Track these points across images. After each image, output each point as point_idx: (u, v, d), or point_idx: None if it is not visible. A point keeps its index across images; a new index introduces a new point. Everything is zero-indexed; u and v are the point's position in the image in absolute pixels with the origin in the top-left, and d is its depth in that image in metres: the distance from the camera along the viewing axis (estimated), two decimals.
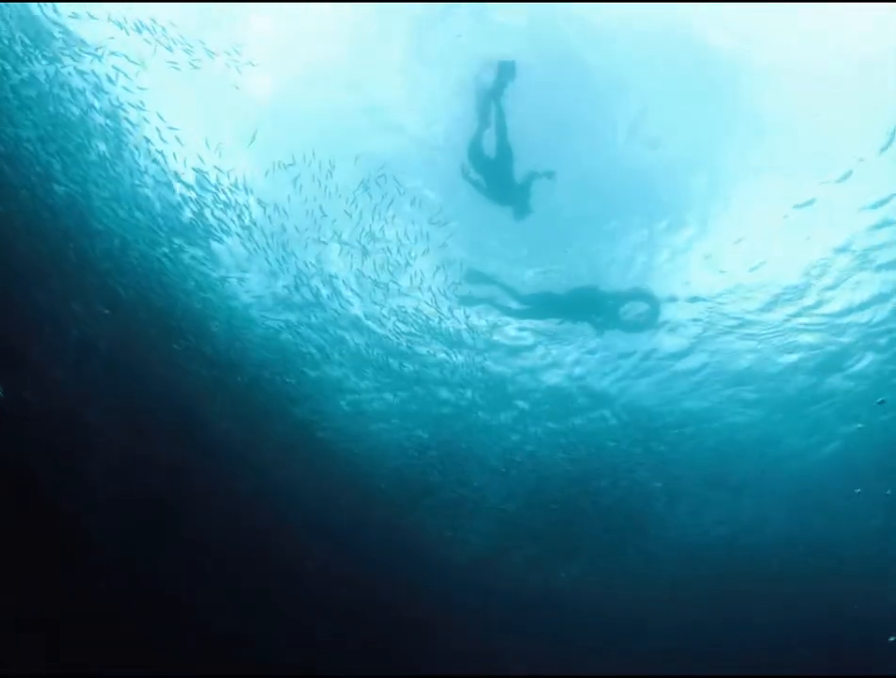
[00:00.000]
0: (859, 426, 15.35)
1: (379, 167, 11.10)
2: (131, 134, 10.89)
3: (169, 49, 9.68)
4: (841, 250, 11.44)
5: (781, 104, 9.83)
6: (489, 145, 10.55)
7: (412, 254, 12.49)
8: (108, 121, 10.74)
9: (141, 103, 10.41)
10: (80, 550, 14.74)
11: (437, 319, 13.72)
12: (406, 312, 13.67)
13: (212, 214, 12.05)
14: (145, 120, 10.66)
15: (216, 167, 11.24)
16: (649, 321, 12.71)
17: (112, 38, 9.63)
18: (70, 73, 10.12)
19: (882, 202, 10.56)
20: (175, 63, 9.83)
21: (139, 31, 9.51)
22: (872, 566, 19.69)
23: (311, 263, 12.88)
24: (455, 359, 14.71)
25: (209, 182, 11.46)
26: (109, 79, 10.16)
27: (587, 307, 12.63)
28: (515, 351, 14.52)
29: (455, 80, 10.15)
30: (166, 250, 12.76)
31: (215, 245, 12.66)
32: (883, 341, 13.17)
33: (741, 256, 11.84)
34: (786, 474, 17.21)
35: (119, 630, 15.25)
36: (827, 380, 14.34)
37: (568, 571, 21.10)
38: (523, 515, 19.08)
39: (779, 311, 12.79)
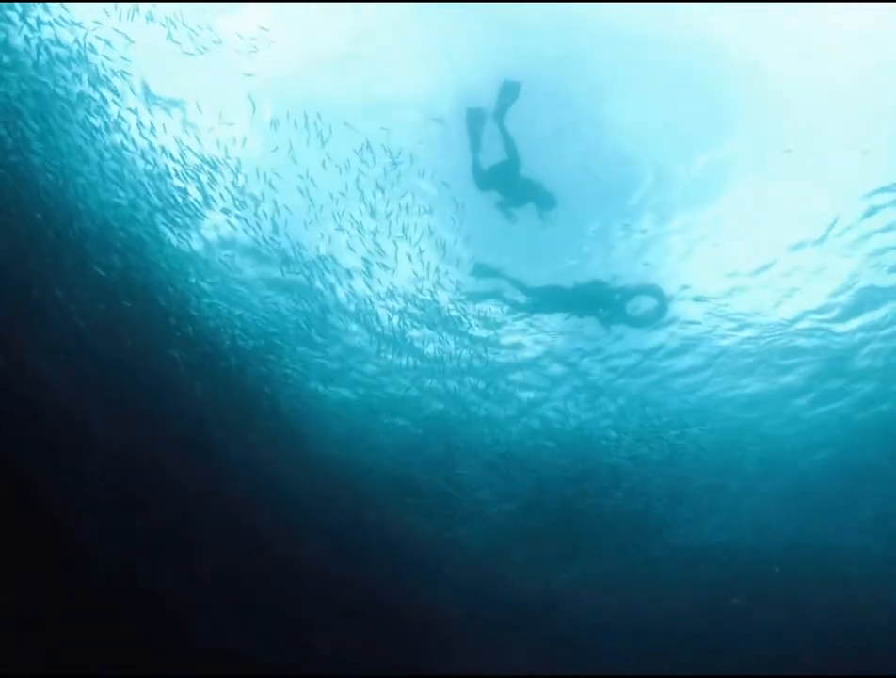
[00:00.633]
0: (860, 428, 15.36)
1: (381, 155, 10.80)
2: (117, 104, 10.32)
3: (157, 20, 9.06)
4: (846, 255, 11.54)
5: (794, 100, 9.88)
6: (496, 143, 10.49)
7: (413, 242, 12.12)
8: (91, 91, 10.12)
9: (125, 71, 9.89)
10: (80, 550, 14.71)
11: (440, 310, 13.43)
12: (407, 300, 13.23)
13: (199, 190, 11.44)
14: (131, 90, 10.15)
15: (199, 140, 10.71)
16: (656, 317, 12.68)
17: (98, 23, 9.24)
18: (51, 41, 9.49)
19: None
20: (173, 38, 9.30)
21: None
22: (874, 570, 19.72)
23: (303, 244, 12.35)
24: (457, 352, 14.39)
25: (195, 155, 10.90)
26: (93, 48, 9.60)
27: (594, 302, 12.51)
28: (519, 346, 14.39)
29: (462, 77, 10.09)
30: (150, 228, 12.09)
31: (202, 224, 12.02)
32: (886, 345, 13.22)
33: (746, 257, 11.92)
34: (787, 476, 17.23)
35: (119, 630, 15.22)
36: (829, 383, 14.37)
37: (567, 572, 21.07)
38: (523, 515, 19.04)
39: (783, 313, 12.83)
